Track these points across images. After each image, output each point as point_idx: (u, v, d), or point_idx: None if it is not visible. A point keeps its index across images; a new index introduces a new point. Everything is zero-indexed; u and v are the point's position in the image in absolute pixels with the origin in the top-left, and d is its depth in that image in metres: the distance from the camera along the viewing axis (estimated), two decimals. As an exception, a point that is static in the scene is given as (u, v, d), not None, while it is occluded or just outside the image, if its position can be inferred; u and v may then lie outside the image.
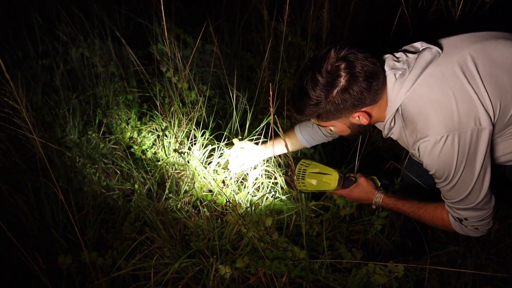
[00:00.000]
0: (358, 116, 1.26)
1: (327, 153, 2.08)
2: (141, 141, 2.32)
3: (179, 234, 1.63)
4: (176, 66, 2.59)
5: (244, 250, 1.43)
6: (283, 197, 1.76)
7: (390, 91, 1.21)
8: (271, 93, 1.19)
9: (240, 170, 1.84)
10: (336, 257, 1.53)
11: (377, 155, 2.23)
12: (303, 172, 1.51)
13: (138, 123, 2.44)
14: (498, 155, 1.26)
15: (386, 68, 1.22)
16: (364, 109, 1.24)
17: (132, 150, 2.22)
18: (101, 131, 2.34)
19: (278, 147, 1.78)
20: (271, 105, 1.22)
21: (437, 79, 1.16)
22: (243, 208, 1.58)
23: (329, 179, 1.49)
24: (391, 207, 1.48)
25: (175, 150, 1.88)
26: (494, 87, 1.14)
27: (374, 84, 1.19)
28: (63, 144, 2.15)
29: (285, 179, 1.54)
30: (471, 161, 1.15)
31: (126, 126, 2.39)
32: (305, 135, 1.75)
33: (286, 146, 1.33)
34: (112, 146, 2.30)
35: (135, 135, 2.36)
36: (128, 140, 2.33)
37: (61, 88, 2.51)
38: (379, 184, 1.54)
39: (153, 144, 2.28)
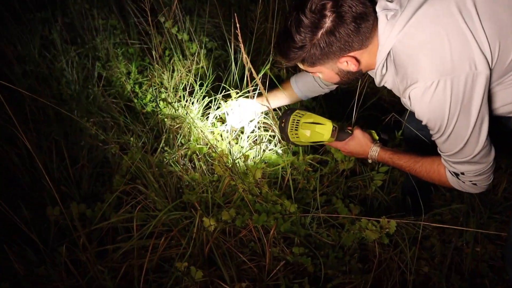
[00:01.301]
0: (346, 62, 1.16)
1: (329, 107, 1.99)
2: (142, 95, 2.26)
3: (174, 187, 1.60)
4: (175, 17, 2.49)
5: (235, 204, 1.39)
6: (279, 150, 1.70)
7: (381, 34, 1.10)
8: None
9: (239, 125, 1.79)
10: (332, 212, 1.48)
11: (381, 107, 2.12)
12: (296, 122, 1.43)
13: (139, 76, 2.38)
14: (497, 106, 1.15)
15: (378, 9, 1.11)
16: (352, 53, 1.14)
17: (132, 104, 2.17)
18: (101, 85, 2.29)
19: (274, 100, 1.71)
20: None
21: (430, 19, 1.04)
22: (231, 160, 1.53)
23: (322, 129, 1.42)
24: (387, 161, 1.40)
25: (168, 103, 1.82)
26: (493, 26, 1.02)
27: (363, 27, 1.08)
28: (58, 97, 2.11)
29: (279, 130, 1.46)
30: (465, 110, 1.05)
31: (128, 80, 2.33)
32: (301, 86, 1.66)
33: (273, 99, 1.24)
34: (112, 100, 2.26)
35: (136, 88, 2.30)
36: (128, 94, 2.27)
37: (59, 42, 2.45)
38: (377, 138, 1.46)
39: (154, 98, 2.23)
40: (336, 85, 1.62)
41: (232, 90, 1.91)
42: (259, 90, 1.76)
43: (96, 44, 2.46)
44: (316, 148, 1.74)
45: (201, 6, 2.67)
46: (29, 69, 2.26)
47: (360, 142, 1.42)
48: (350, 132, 1.45)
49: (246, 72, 1.60)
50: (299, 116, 1.43)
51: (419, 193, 1.59)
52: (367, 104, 1.94)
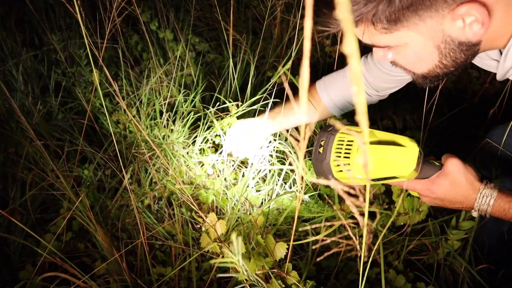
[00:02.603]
0: (463, 18, 0.61)
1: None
2: (114, 110, 1.70)
3: (139, 251, 1.03)
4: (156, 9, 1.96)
5: None
6: (306, 197, 1.12)
7: None
8: None
9: (239, 155, 1.21)
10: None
11: (452, 121, 1.47)
12: (347, 145, 0.79)
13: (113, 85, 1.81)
14: None
15: None
16: None
17: (101, 120, 1.61)
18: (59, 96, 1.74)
19: (290, 118, 1.14)
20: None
21: None
22: (231, 216, 0.96)
23: (401, 155, 0.77)
24: None
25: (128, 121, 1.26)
26: None
27: None
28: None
29: (313, 160, 0.85)
30: None
31: (93, 91, 1.77)
32: (334, 95, 1.08)
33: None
34: (73, 116, 1.71)
35: (106, 102, 1.74)
36: (95, 108, 1.70)
37: (8, 40, 1.91)
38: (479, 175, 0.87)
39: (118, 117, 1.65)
40: (391, 90, 1.05)
41: (230, 102, 1.35)
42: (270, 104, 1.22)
43: (56, 45, 1.90)
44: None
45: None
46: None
47: (460, 181, 0.80)
48: (438, 164, 0.85)
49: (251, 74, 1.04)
50: (352, 135, 0.80)
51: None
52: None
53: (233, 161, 1.25)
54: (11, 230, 1.22)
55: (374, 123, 1.43)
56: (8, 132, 1.51)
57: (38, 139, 1.30)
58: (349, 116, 1.38)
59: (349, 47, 0.28)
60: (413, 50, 0.69)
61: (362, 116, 0.32)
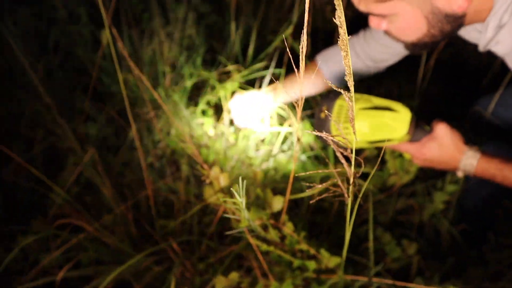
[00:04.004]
0: None
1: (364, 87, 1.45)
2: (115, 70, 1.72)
3: (144, 207, 1.09)
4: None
5: (233, 252, 0.87)
6: (303, 156, 1.18)
7: None
8: None
9: (246, 125, 1.25)
10: (377, 251, 0.99)
11: (446, 91, 1.52)
12: (347, 110, 0.85)
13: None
14: None
15: None
16: None
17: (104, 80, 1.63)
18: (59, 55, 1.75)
19: (290, 89, 1.18)
20: None
21: None
22: (232, 172, 1.02)
23: (395, 120, 0.84)
24: (493, 175, 0.86)
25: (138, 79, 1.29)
26: None
27: None
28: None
29: (316, 124, 0.91)
30: None
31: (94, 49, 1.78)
32: (333, 66, 1.13)
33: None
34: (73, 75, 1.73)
35: (106, 62, 1.75)
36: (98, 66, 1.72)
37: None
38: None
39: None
40: (389, 62, 1.10)
41: (230, 64, 1.38)
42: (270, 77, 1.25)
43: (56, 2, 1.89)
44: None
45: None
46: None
47: (447, 144, 0.87)
48: (428, 128, 0.91)
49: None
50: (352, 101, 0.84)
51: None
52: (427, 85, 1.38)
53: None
54: (17, 185, 1.27)
55: (372, 90, 1.47)
56: (9, 89, 1.53)
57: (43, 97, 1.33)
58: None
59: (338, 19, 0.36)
60: (404, 19, 0.75)
61: (349, 77, 0.40)
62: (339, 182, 0.56)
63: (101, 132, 1.41)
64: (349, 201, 0.58)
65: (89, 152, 1.00)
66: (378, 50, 1.06)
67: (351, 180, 0.54)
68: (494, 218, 1.18)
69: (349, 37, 0.96)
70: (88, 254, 0.93)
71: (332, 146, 0.56)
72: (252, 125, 1.23)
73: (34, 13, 1.95)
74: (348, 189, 0.56)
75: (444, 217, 1.11)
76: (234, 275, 0.71)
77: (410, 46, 0.84)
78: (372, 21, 0.82)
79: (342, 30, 0.38)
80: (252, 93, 1.23)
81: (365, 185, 0.57)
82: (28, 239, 0.86)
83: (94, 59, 1.69)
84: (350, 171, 0.53)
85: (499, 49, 0.79)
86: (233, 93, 1.31)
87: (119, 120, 1.38)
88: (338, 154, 0.56)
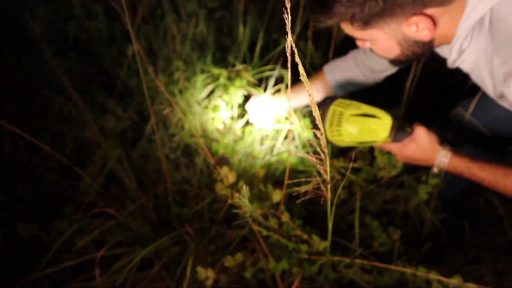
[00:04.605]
0: (417, 24, 0.83)
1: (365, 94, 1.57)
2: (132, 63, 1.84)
3: (161, 194, 1.24)
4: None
5: (238, 236, 1.02)
6: (302, 151, 1.32)
7: None
8: None
9: (262, 125, 1.42)
10: (366, 237, 1.13)
11: (434, 95, 1.67)
12: (339, 115, 1.03)
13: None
14: None
15: None
16: (429, 11, 0.81)
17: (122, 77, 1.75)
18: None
19: (298, 96, 1.35)
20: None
21: None
22: (238, 167, 1.16)
23: (378, 125, 1.02)
24: (462, 172, 1.01)
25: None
26: None
27: None
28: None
29: (312, 124, 1.08)
30: None
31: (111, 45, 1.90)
32: (338, 75, 1.29)
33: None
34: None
35: (122, 57, 1.87)
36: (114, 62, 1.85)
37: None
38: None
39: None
40: (386, 73, 1.24)
41: (239, 64, 1.50)
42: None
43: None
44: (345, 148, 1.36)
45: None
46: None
47: (424, 145, 1.03)
48: (409, 131, 1.07)
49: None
50: (343, 107, 1.04)
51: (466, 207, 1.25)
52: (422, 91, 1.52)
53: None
54: (43, 176, 1.40)
55: (364, 96, 1.61)
56: (35, 84, 1.66)
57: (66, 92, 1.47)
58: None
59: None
60: (381, 43, 0.90)
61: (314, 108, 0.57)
62: (318, 178, 0.70)
63: (117, 126, 1.55)
64: (328, 195, 0.72)
65: (117, 150, 1.14)
66: (375, 61, 1.20)
67: (327, 178, 0.68)
68: (474, 208, 1.32)
69: (351, 51, 1.18)
70: (115, 237, 1.08)
71: (314, 145, 0.72)
72: (266, 125, 1.40)
73: (53, 9, 2.07)
74: (325, 186, 0.71)
75: (427, 207, 1.25)
76: (239, 256, 0.88)
77: (392, 62, 1.00)
78: (358, 42, 0.99)
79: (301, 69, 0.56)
80: (267, 96, 1.39)
81: (347, 177, 0.70)
82: (66, 224, 1.01)
83: (111, 54, 1.81)
84: (326, 175, 0.67)
85: (464, 67, 0.94)
86: (247, 96, 1.45)
87: (135, 115, 1.52)
88: (314, 160, 0.70)
